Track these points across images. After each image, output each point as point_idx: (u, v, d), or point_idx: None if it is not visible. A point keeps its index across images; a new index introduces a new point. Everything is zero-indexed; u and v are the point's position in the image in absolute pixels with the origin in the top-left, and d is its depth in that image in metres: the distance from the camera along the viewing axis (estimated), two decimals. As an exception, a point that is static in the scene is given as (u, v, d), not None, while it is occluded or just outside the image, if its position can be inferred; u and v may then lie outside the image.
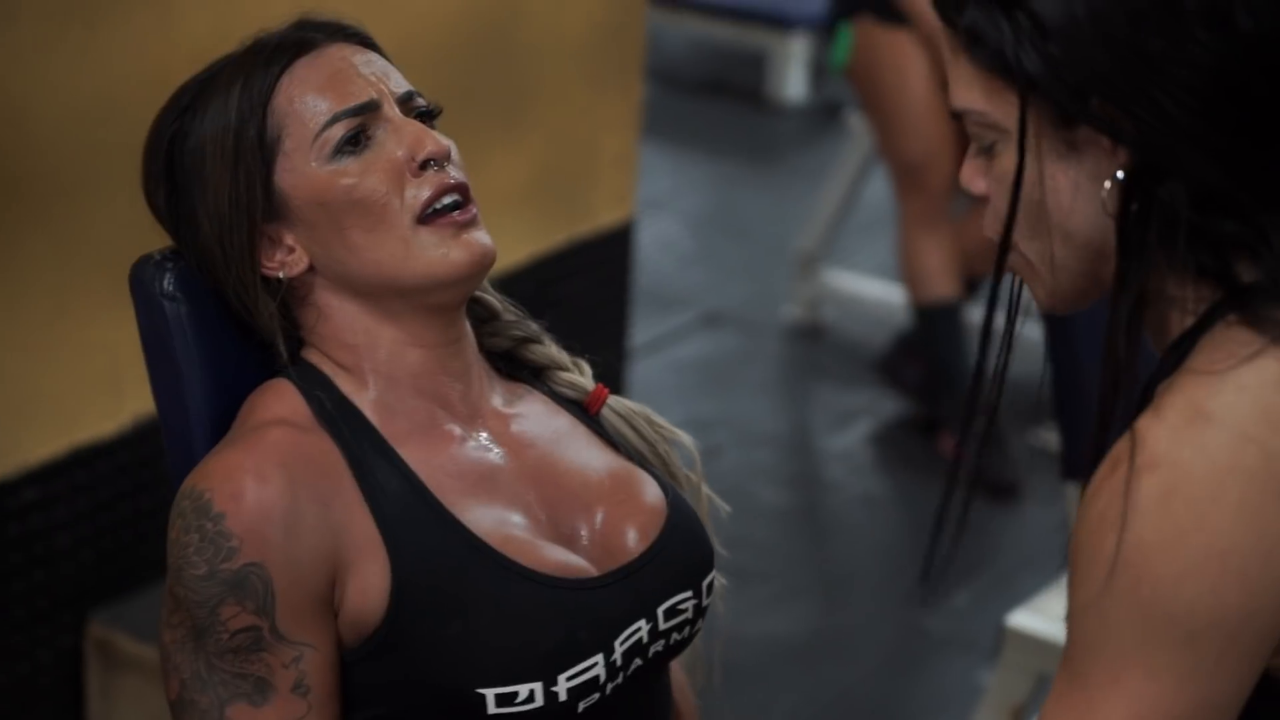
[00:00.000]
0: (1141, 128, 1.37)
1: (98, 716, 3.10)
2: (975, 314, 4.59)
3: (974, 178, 1.48)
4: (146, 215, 1.73)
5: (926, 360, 4.61)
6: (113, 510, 3.07)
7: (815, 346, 5.04)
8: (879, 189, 5.08)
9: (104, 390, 2.98)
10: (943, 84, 3.99)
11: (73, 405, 2.96)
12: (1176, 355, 1.42)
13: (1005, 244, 1.45)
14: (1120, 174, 1.39)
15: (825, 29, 4.71)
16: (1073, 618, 1.38)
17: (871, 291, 5.12)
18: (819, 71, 6.53)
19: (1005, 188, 1.42)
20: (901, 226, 4.55)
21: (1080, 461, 2.57)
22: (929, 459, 4.52)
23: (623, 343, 4.18)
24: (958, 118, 1.48)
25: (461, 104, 3.25)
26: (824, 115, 6.45)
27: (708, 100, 6.51)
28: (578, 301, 3.96)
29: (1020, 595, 3.45)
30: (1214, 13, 1.35)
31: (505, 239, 3.61)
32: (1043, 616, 2.91)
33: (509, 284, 3.47)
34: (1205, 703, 1.36)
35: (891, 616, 3.91)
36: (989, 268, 3.18)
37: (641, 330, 4.71)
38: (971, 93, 1.44)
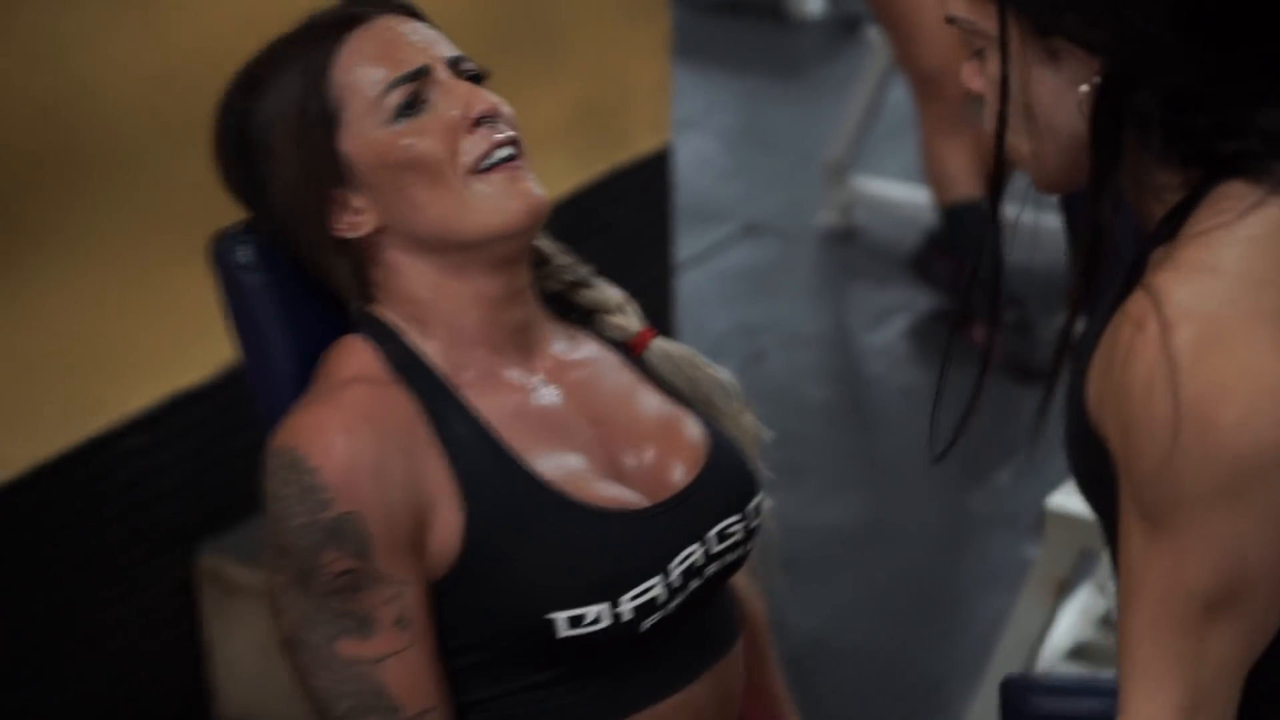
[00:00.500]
0: (1112, 39, 1.40)
1: (215, 638, 3.12)
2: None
3: (972, 77, 1.53)
4: (211, 179, 1.77)
5: (955, 256, 4.59)
6: (212, 451, 3.08)
7: (849, 250, 5.04)
8: (899, 98, 5.07)
9: (192, 341, 2.96)
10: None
11: (165, 357, 2.95)
12: (1169, 228, 1.45)
13: (1000, 139, 1.50)
14: (1096, 79, 1.43)
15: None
16: (1142, 478, 1.38)
17: (899, 195, 5.12)
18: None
19: (996, 89, 1.48)
20: (923, 133, 4.55)
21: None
22: (963, 347, 4.51)
23: (669, 259, 4.18)
24: (952, 22, 1.52)
25: (500, 46, 3.35)
26: (843, 29, 6.43)
27: (730, 19, 6.51)
28: (624, 225, 3.95)
29: (1057, 474, 3.38)
30: None
31: (550, 172, 3.59)
32: (1077, 497, 3.01)
33: (556, 214, 3.50)
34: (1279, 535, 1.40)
35: (938, 499, 3.93)
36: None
37: (686, 245, 4.71)
38: (959, 2, 1.49)
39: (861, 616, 3.58)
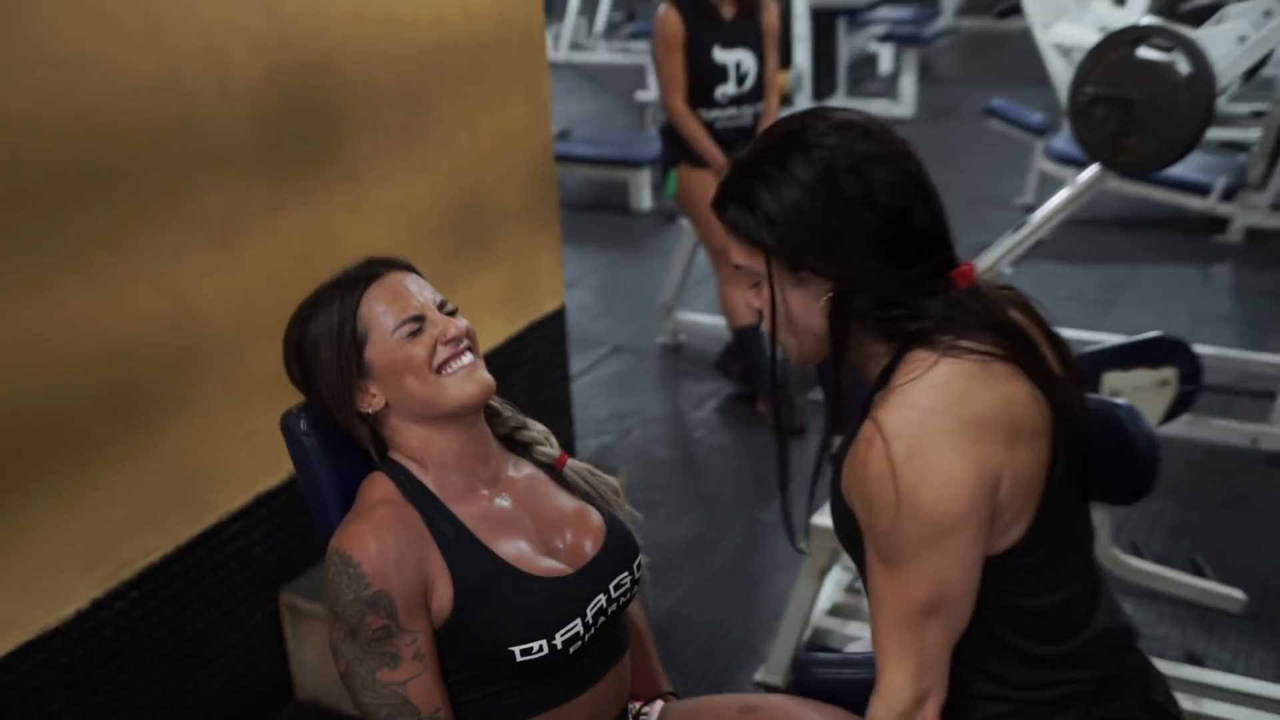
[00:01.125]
0: (837, 269, 1.48)
1: (293, 649, 3.18)
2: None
3: (754, 300, 1.59)
4: (281, 373, 1.84)
5: (743, 359, 4.64)
6: (285, 527, 3.14)
7: (678, 359, 5.14)
8: (702, 261, 5.10)
9: (270, 460, 3.00)
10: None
11: (254, 472, 3.03)
12: (883, 380, 1.51)
13: (773, 335, 1.57)
14: (829, 294, 1.50)
15: (659, 169, 4.70)
16: (878, 535, 1.46)
17: (706, 322, 5.20)
18: (658, 191, 6.41)
19: (768, 306, 1.54)
20: (718, 283, 4.54)
21: (841, 423, 2.85)
22: (752, 417, 4.61)
23: (567, 374, 4.20)
24: (738, 269, 1.57)
25: (456, 252, 3.53)
26: (665, 219, 6.48)
27: (595, 214, 6.54)
28: (539, 357, 3.99)
29: (818, 500, 3.67)
30: (864, 197, 1.45)
31: (490, 330, 3.68)
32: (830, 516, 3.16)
33: (496, 354, 3.68)
34: (965, 561, 1.45)
35: (742, 515, 3.99)
36: None
37: (576, 363, 4.73)
38: (740, 255, 1.55)
39: (699, 597, 3.61)
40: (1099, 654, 1.55)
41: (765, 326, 1.57)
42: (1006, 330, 1.52)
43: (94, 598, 2.71)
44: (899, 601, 1.46)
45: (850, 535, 1.56)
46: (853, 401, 1.55)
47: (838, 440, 1.64)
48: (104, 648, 2.75)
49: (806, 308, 1.52)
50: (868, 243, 1.46)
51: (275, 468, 3.09)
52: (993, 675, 1.54)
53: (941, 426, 1.42)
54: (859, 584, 3.28)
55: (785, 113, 5.71)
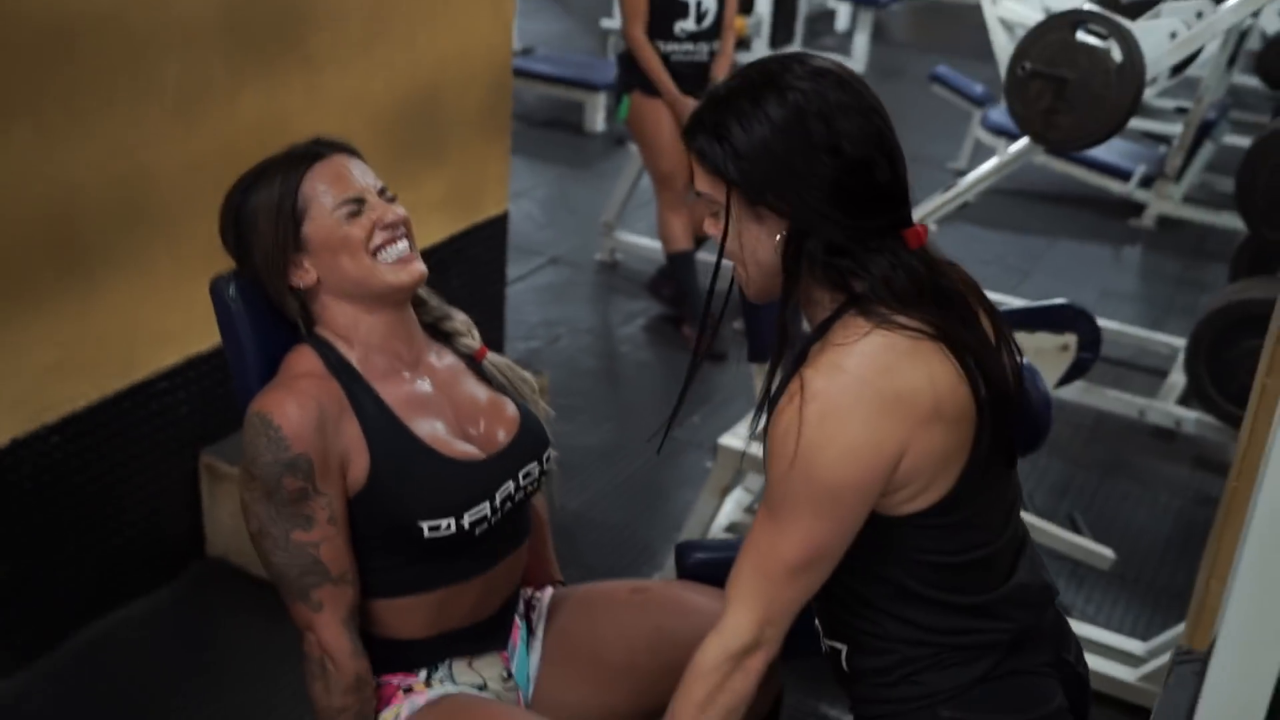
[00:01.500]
0: (794, 209, 1.45)
1: (207, 507, 3.18)
2: (700, 255, 4.66)
3: (709, 228, 1.54)
4: (216, 239, 1.81)
5: (674, 283, 4.67)
6: (210, 391, 3.11)
7: (613, 276, 5.10)
8: (645, 185, 5.09)
9: (200, 326, 2.69)
10: (680, 128, 4.28)
11: (184, 333, 3.00)
12: (821, 331, 1.49)
13: (718, 263, 1.55)
14: (784, 233, 1.46)
15: (615, 94, 4.67)
16: (770, 483, 1.45)
17: (643, 244, 5.16)
18: (611, 115, 6.42)
19: (722, 236, 1.51)
20: (658, 208, 4.56)
21: (758, 352, 2.83)
22: (677, 338, 4.61)
23: (504, 279, 4.19)
24: (698, 194, 1.53)
25: (406, 152, 3.48)
26: (615, 142, 6.43)
27: (548, 131, 6.48)
28: (479, 258, 3.98)
29: (726, 421, 3.65)
30: (830, 144, 1.42)
31: (434, 226, 3.72)
32: (737, 438, 3.09)
33: (437, 250, 3.65)
34: (843, 529, 1.44)
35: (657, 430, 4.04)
36: (705, 233, 3.46)
37: (514, 269, 4.70)
38: (703, 183, 1.51)
39: (606, 502, 3.61)
40: (1017, 608, 1.54)
41: (727, 256, 1.54)
42: (946, 296, 1.50)
43: (15, 436, 2.70)
44: (769, 551, 1.44)
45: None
46: (791, 344, 1.55)
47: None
48: (20, 485, 2.73)
49: (760, 243, 1.49)
50: (827, 188, 1.43)
51: (208, 333, 2.87)
52: (912, 621, 1.52)
53: (859, 395, 1.40)
54: (756, 505, 3.33)
55: (740, 57, 5.65)
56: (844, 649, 1.58)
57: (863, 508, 1.43)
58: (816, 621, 1.64)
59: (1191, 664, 1.56)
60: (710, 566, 1.99)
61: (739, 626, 1.45)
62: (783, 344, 1.53)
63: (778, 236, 1.47)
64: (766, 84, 1.45)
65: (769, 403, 1.54)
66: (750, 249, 1.50)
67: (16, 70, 2.49)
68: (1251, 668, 1.21)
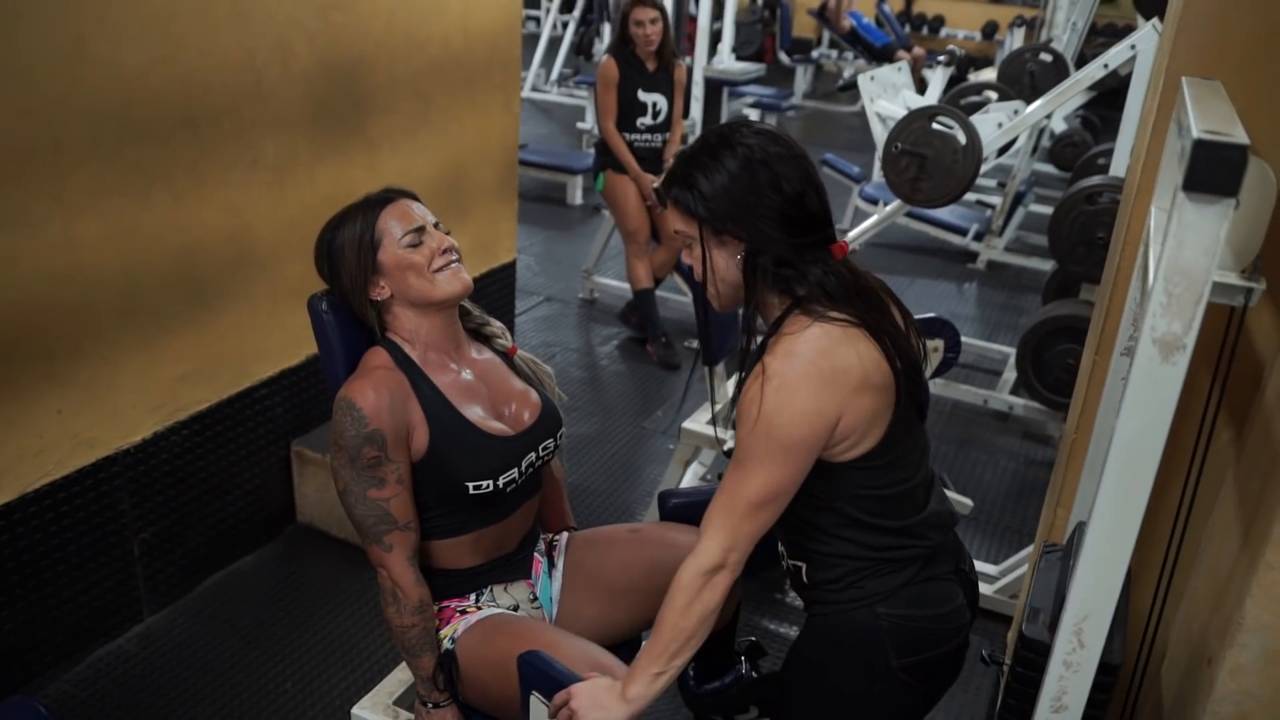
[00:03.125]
0: (749, 235, 1.43)
1: (297, 485, 3.11)
2: (658, 292, 4.64)
3: (687, 259, 1.51)
4: (311, 271, 1.78)
5: (639, 314, 4.59)
6: (300, 395, 3.07)
7: (592, 310, 5.00)
8: (616, 242, 5.07)
9: (293, 344, 3.00)
10: (642, 198, 4.25)
11: (282, 351, 2.97)
12: (775, 327, 1.46)
13: (704, 284, 1.51)
14: (742, 253, 1.45)
15: (592, 173, 4.60)
16: (739, 440, 1.42)
17: (615, 285, 5.07)
18: (587, 190, 6.42)
19: (699, 263, 1.48)
20: (626, 257, 4.48)
21: (710, 358, 2.73)
22: (642, 355, 4.53)
23: (513, 311, 4.16)
24: (676, 233, 1.49)
25: (440, 212, 3.17)
26: (591, 210, 6.34)
27: (540, 204, 6.35)
28: (495, 295, 3.97)
29: (684, 413, 3.71)
30: (773, 184, 1.41)
31: (466, 268, 3.70)
32: (695, 423, 3.04)
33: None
34: (793, 475, 1.40)
35: (630, 423, 3.94)
36: (663, 274, 3.45)
37: (519, 305, 4.72)
38: (678, 222, 1.48)
39: (594, 476, 3.55)
40: (932, 529, 1.53)
41: (697, 277, 1.50)
42: (866, 293, 1.48)
43: (156, 430, 2.68)
44: (735, 492, 1.41)
45: None
46: (736, 339, 1.52)
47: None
48: (160, 468, 2.71)
49: (726, 263, 1.47)
50: (773, 217, 1.42)
51: (297, 350, 3.06)
52: (855, 541, 1.50)
53: (805, 373, 1.38)
54: (710, 475, 3.32)
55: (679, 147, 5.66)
56: (804, 566, 1.56)
57: (809, 458, 1.41)
58: (781, 548, 1.62)
59: (1055, 552, 1.61)
60: (684, 509, 1.97)
61: (710, 551, 1.43)
62: (749, 337, 1.50)
63: (738, 256, 1.45)
64: (721, 143, 1.45)
65: (740, 381, 1.51)
66: (719, 270, 1.48)
67: (156, 150, 2.49)
68: (1102, 586, 1.24)
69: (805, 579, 1.57)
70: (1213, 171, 1.03)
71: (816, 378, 1.38)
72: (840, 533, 1.51)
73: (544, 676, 1.55)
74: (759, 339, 1.51)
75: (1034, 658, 1.40)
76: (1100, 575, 1.23)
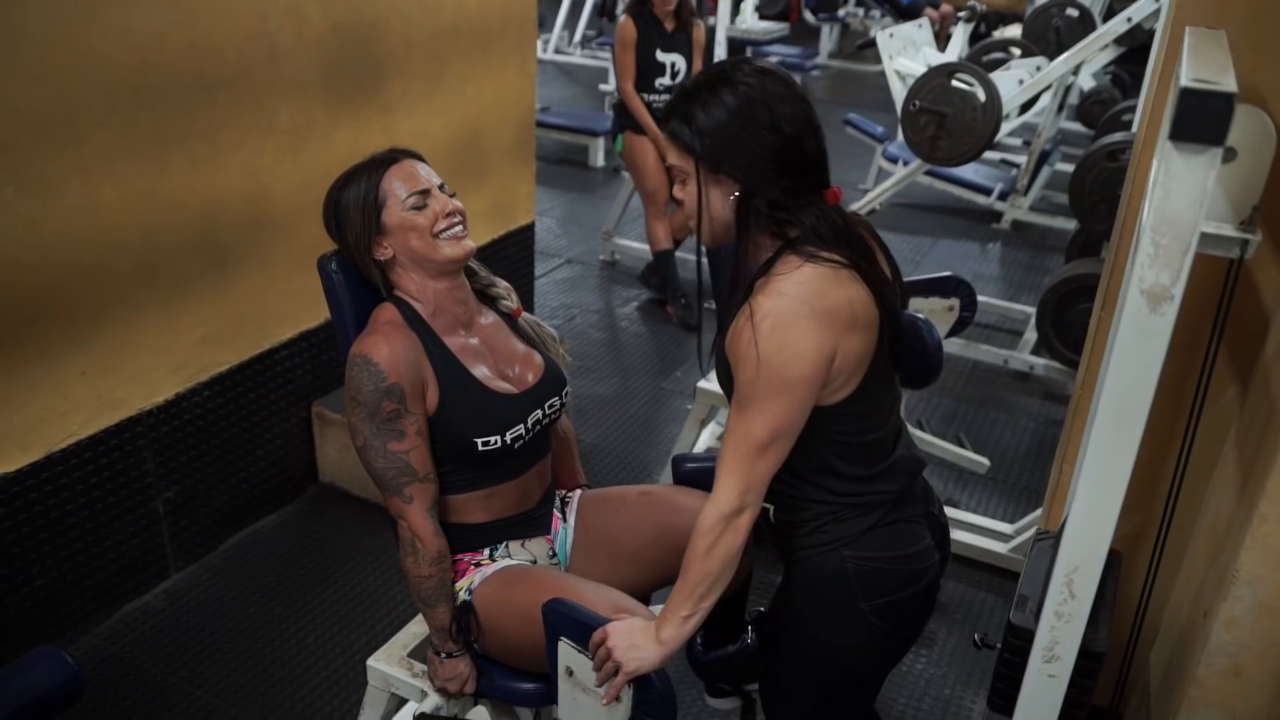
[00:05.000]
0: (744, 174, 1.41)
1: (318, 445, 3.14)
2: (679, 253, 4.59)
3: (679, 193, 1.49)
4: (321, 232, 1.76)
5: (659, 275, 4.59)
6: (319, 356, 3.08)
7: (613, 271, 5.00)
8: (635, 204, 5.12)
9: (310, 306, 2.99)
10: (662, 157, 4.21)
11: (299, 314, 2.98)
12: (764, 269, 1.44)
13: (699, 220, 1.48)
14: (737, 192, 1.43)
15: (610, 135, 4.60)
16: (741, 385, 1.40)
17: (635, 247, 5.03)
18: (609, 153, 6.36)
19: (692, 198, 1.46)
20: (645, 219, 4.47)
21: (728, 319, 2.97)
22: (662, 315, 4.53)
23: (532, 274, 4.14)
24: (669, 169, 1.48)
25: (457, 172, 3.38)
26: (611, 172, 6.29)
27: (562, 166, 6.35)
28: (513, 257, 3.95)
29: (700, 372, 3.55)
30: (771, 124, 1.39)
31: (478, 233, 3.79)
32: (711, 383, 3.00)
33: (481, 251, 3.53)
34: (797, 412, 1.40)
35: (649, 383, 3.93)
36: (682, 235, 3.43)
37: (539, 268, 4.73)
38: (674, 156, 1.46)
39: (613, 436, 3.56)
40: (897, 475, 1.53)
41: (688, 214, 1.48)
42: (854, 241, 1.47)
43: (178, 391, 2.69)
44: (744, 435, 1.41)
45: (727, 381, 1.52)
46: (740, 283, 1.50)
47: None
48: (182, 429, 2.73)
49: (719, 202, 1.45)
50: (769, 158, 1.40)
51: (316, 313, 3.06)
52: (824, 487, 1.51)
53: (798, 312, 1.37)
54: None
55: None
56: (771, 508, 1.56)
57: (811, 394, 1.41)
58: None
59: (1047, 540, 1.59)
60: (697, 474, 1.95)
61: (728, 495, 1.43)
62: (735, 278, 1.49)
63: (731, 197, 1.44)
64: (722, 80, 1.42)
65: (719, 328, 1.51)
66: (712, 207, 1.46)
67: (173, 115, 2.50)
68: (1092, 537, 1.24)
69: (772, 519, 1.57)
70: (1199, 120, 1.02)
71: (810, 317, 1.38)
72: (809, 477, 1.51)
73: (572, 621, 1.56)
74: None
75: (1021, 644, 1.41)
76: (1090, 527, 1.24)
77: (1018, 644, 1.42)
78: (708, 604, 1.47)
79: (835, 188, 1.46)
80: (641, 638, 1.49)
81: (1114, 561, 1.58)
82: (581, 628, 1.55)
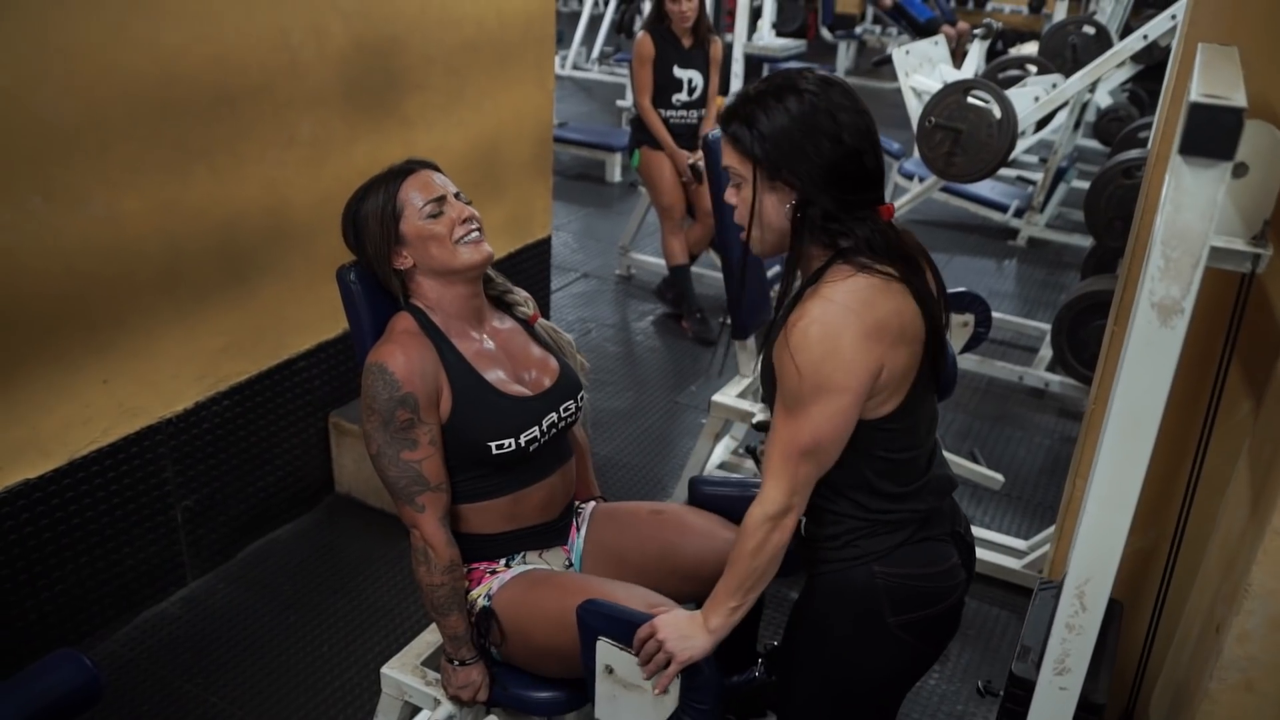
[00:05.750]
0: (802, 184, 1.41)
1: (335, 455, 3.15)
2: (694, 268, 4.62)
3: (731, 198, 1.47)
4: (340, 243, 1.78)
5: (675, 289, 4.59)
6: (337, 367, 3.09)
7: (629, 286, 5.01)
8: (652, 219, 5.11)
9: (330, 318, 3.00)
10: (678, 175, 4.17)
11: (317, 324, 2.99)
12: (814, 277, 1.43)
13: (749, 226, 1.47)
14: (793, 201, 1.42)
15: (627, 150, 4.60)
16: (787, 390, 1.39)
17: (651, 261, 5.04)
18: (626, 168, 6.38)
19: (745, 204, 1.45)
20: (661, 234, 4.48)
21: (740, 332, 2.77)
22: (677, 330, 4.54)
23: (549, 287, 4.17)
24: (726, 169, 1.46)
25: (475, 185, 3.43)
26: (628, 187, 6.32)
27: (580, 181, 6.36)
28: (529, 270, 3.97)
29: (716, 386, 3.58)
30: (834, 135, 1.38)
31: (495, 245, 3.71)
32: (726, 396, 3.02)
33: (499, 264, 3.63)
34: (843, 422, 1.40)
35: (664, 397, 3.95)
36: (698, 250, 3.37)
37: (556, 281, 4.75)
38: (731, 159, 1.44)
39: (628, 449, 3.57)
40: (929, 494, 1.53)
41: (739, 219, 1.47)
42: (906, 257, 1.46)
43: (198, 400, 2.71)
44: (790, 440, 1.40)
45: (770, 385, 1.51)
46: (767, 313, 1.47)
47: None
48: (202, 437, 2.75)
49: (774, 209, 1.44)
50: (829, 169, 1.39)
51: (334, 324, 3.07)
52: (857, 502, 1.50)
53: (848, 321, 1.37)
54: (741, 449, 3.33)
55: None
56: (804, 520, 1.56)
57: (856, 406, 1.40)
58: None
59: (1050, 590, 1.59)
60: (714, 498, 1.94)
61: (774, 497, 1.43)
62: (788, 282, 1.47)
63: (787, 205, 1.43)
64: (786, 87, 1.41)
65: (766, 335, 1.50)
66: (766, 214, 1.45)
67: (196, 127, 2.52)
68: (1103, 549, 1.24)
69: (803, 531, 1.57)
70: (1208, 135, 1.02)
71: (859, 327, 1.37)
72: (845, 491, 1.50)
73: (611, 620, 1.56)
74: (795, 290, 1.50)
75: (1023, 694, 1.41)
76: (1101, 539, 1.23)
77: (1019, 694, 1.42)
78: (753, 596, 1.50)
79: (889, 204, 1.46)
80: (690, 628, 1.51)
81: (1115, 611, 1.58)
82: (623, 625, 1.55)
